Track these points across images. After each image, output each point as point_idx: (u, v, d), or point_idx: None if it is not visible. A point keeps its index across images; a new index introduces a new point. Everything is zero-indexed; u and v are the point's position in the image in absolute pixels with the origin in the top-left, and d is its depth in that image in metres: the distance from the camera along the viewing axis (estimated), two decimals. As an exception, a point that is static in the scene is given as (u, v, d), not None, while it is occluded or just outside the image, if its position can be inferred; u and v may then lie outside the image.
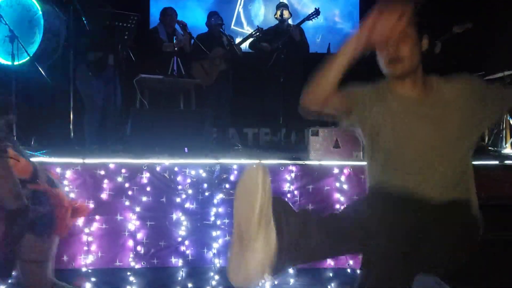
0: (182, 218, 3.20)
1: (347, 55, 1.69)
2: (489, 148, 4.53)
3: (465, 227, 1.67)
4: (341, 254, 1.98)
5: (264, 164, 1.63)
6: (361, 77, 1.86)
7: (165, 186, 3.22)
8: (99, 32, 4.37)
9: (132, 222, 3.18)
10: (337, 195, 3.27)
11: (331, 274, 3.24)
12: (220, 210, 3.22)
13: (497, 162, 3.55)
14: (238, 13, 7.12)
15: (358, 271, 3.24)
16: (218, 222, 3.21)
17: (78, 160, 3.21)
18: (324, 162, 3.37)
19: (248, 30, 6.87)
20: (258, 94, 5.86)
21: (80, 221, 3.13)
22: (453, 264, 1.69)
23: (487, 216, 1.79)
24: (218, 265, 3.18)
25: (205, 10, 6.67)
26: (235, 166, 3.26)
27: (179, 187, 3.22)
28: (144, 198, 3.19)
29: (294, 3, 6.92)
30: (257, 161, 3.28)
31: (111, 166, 3.20)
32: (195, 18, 6.63)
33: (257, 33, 5.56)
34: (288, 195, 3.27)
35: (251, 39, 5.69)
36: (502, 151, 4.55)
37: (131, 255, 3.17)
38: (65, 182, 3.14)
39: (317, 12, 5.48)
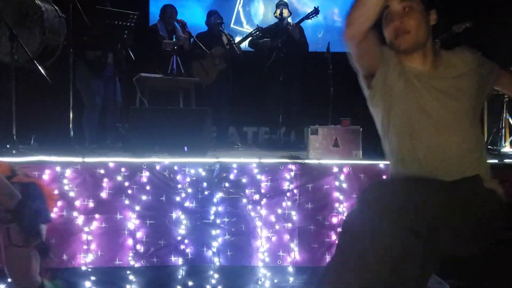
0: (182, 217, 3.20)
1: None
2: (489, 147, 4.54)
3: (484, 198, 1.65)
4: None
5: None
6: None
7: (165, 185, 3.22)
8: (98, 31, 4.37)
9: (132, 221, 3.18)
10: (336, 194, 3.27)
11: (330, 273, 3.24)
12: (220, 209, 3.22)
13: (496, 161, 3.57)
14: (238, 12, 7.12)
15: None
16: (218, 221, 3.22)
17: (78, 159, 3.21)
18: (324, 161, 3.37)
19: (247, 29, 6.87)
20: (258, 93, 5.87)
21: (80, 220, 3.14)
22: (478, 243, 1.65)
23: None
24: (217, 263, 3.18)
25: (204, 9, 6.67)
26: (234, 165, 3.26)
27: (179, 186, 3.22)
28: (144, 197, 3.19)
29: (294, 1, 6.91)
30: (257, 160, 3.28)
31: (111, 165, 3.20)
32: (194, 17, 6.64)
33: (257, 32, 5.56)
34: (288, 194, 3.27)
35: (250, 38, 5.70)
36: (502, 150, 4.55)
37: (131, 254, 3.18)
38: (65, 181, 3.14)
39: (316, 11, 5.48)
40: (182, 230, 3.20)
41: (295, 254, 3.25)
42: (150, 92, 4.89)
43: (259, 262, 3.22)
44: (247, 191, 3.25)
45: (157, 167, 3.22)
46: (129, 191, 3.19)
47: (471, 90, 1.76)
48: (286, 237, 3.26)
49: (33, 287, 2.50)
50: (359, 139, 3.56)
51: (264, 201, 3.25)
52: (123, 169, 3.20)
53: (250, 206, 3.24)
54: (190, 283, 3.15)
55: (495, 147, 4.61)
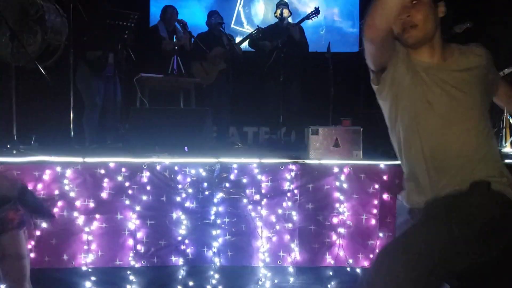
0: (182, 217, 3.20)
1: None
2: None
3: (491, 210, 1.60)
4: None
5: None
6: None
7: (165, 185, 3.22)
8: (99, 31, 4.37)
9: (132, 221, 3.18)
10: (337, 194, 3.27)
11: (331, 273, 3.25)
12: (220, 209, 3.22)
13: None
14: (238, 12, 7.12)
15: (358, 270, 3.25)
16: (218, 221, 3.21)
17: (78, 159, 3.21)
18: (324, 161, 3.37)
19: (248, 29, 6.87)
20: (258, 93, 5.87)
21: (81, 220, 3.14)
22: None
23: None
24: (218, 264, 3.18)
25: (205, 9, 6.68)
26: (235, 165, 3.26)
27: (179, 186, 3.22)
28: (144, 197, 3.19)
29: (294, 1, 6.92)
30: (257, 160, 3.28)
31: (111, 165, 3.20)
32: (195, 17, 6.64)
33: (257, 33, 5.57)
34: (288, 194, 3.27)
35: (250, 38, 5.70)
36: (502, 150, 4.55)
37: (131, 254, 3.18)
38: (65, 181, 3.14)
39: (317, 11, 5.49)
40: (182, 230, 3.20)
41: (296, 254, 3.25)
42: (151, 92, 4.89)
43: (259, 262, 3.22)
44: (247, 191, 3.25)
45: (158, 167, 3.22)
46: (130, 191, 3.19)
47: (479, 84, 1.73)
48: (287, 237, 3.26)
49: None
50: (360, 139, 3.55)
51: (264, 201, 3.25)
52: (123, 169, 3.20)
53: (250, 206, 3.24)
54: (190, 283, 3.15)
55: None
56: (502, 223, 1.58)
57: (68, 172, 3.15)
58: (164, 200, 3.21)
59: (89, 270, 3.12)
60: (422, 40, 1.73)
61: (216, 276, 3.14)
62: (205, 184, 3.22)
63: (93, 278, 3.09)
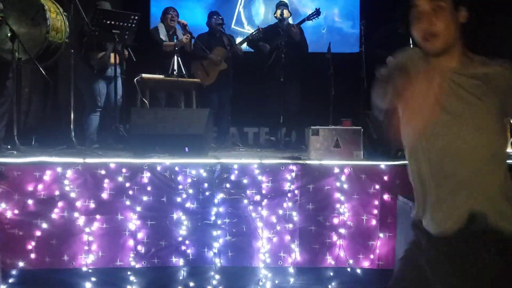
0: (183, 217, 3.20)
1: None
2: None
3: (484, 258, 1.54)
4: None
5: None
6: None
7: (166, 186, 3.22)
8: (99, 31, 4.37)
9: (133, 222, 3.18)
10: (337, 195, 3.27)
11: (331, 274, 3.25)
12: (221, 209, 3.22)
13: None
14: (239, 13, 7.12)
15: (359, 271, 3.25)
16: (219, 222, 3.21)
17: (79, 160, 3.21)
18: (325, 162, 3.37)
19: (248, 29, 6.87)
20: (259, 93, 5.87)
21: (81, 221, 3.14)
22: None
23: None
24: (218, 264, 3.18)
25: (205, 10, 6.67)
26: (235, 166, 3.26)
27: (180, 186, 3.22)
28: (145, 198, 3.19)
29: (294, 2, 6.92)
30: (258, 161, 3.28)
31: (112, 165, 3.20)
32: (195, 18, 6.64)
33: (258, 33, 5.57)
34: (289, 195, 3.27)
35: (250, 38, 5.70)
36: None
37: (132, 255, 3.17)
38: (66, 182, 3.14)
39: (317, 13, 5.49)
40: (183, 231, 3.20)
41: (296, 255, 3.25)
42: (151, 93, 4.89)
43: (260, 263, 3.22)
44: (248, 191, 3.24)
45: (158, 168, 3.22)
46: (130, 192, 3.19)
47: (495, 98, 1.61)
48: (287, 238, 3.26)
49: None
50: (360, 139, 3.56)
51: (265, 201, 3.25)
52: (124, 170, 3.20)
53: (251, 207, 3.24)
54: (191, 284, 3.15)
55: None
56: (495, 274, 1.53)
57: (69, 173, 3.15)
58: (164, 200, 3.21)
59: (90, 270, 3.12)
60: (444, 49, 1.66)
61: (217, 276, 3.14)
62: (206, 185, 3.22)
63: (93, 279, 3.09)
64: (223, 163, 3.27)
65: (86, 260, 3.13)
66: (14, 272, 3.07)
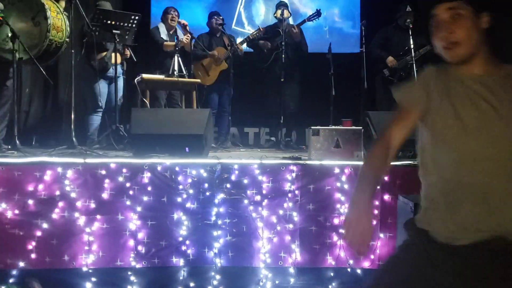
0: (183, 217, 3.20)
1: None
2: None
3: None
4: None
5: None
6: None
7: (166, 186, 3.22)
8: (100, 32, 4.37)
9: (133, 222, 3.18)
10: (338, 195, 3.27)
11: (331, 274, 3.25)
12: (221, 209, 3.22)
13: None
14: (239, 13, 7.13)
15: (359, 271, 3.25)
16: (219, 222, 3.21)
17: (79, 160, 3.21)
18: (325, 162, 3.37)
19: (249, 29, 6.87)
20: (259, 94, 5.87)
21: (81, 221, 3.14)
22: None
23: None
24: (219, 264, 3.18)
25: (206, 10, 6.68)
26: (236, 166, 3.26)
27: (180, 186, 3.22)
28: (145, 198, 3.19)
29: (295, 2, 6.92)
30: (258, 161, 3.28)
31: (112, 165, 3.20)
32: (196, 18, 6.64)
33: (258, 33, 5.57)
34: (289, 195, 3.27)
35: (251, 38, 5.70)
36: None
37: (132, 255, 3.17)
38: (66, 182, 3.14)
39: (318, 13, 5.49)
40: (183, 231, 3.20)
41: (297, 255, 3.25)
42: (151, 93, 4.89)
43: (260, 263, 3.22)
44: (248, 192, 3.24)
45: (159, 168, 3.22)
46: (131, 192, 3.19)
47: None
48: (288, 238, 3.26)
49: None
50: (361, 140, 3.55)
51: (265, 202, 3.25)
52: (124, 170, 3.20)
53: (251, 207, 3.24)
54: (191, 284, 3.15)
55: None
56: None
57: (69, 173, 3.15)
58: (165, 200, 3.21)
59: (90, 270, 3.12)
60: (466, 57, 1.61)
61: (217, 277, 3.14)
62: (206, 185, 3.22)
63: (93, 279, 3.09)
64: (223, 163, 3.26)
65: (87, 260, 3.13)
66: (14, 272, 3.07)
